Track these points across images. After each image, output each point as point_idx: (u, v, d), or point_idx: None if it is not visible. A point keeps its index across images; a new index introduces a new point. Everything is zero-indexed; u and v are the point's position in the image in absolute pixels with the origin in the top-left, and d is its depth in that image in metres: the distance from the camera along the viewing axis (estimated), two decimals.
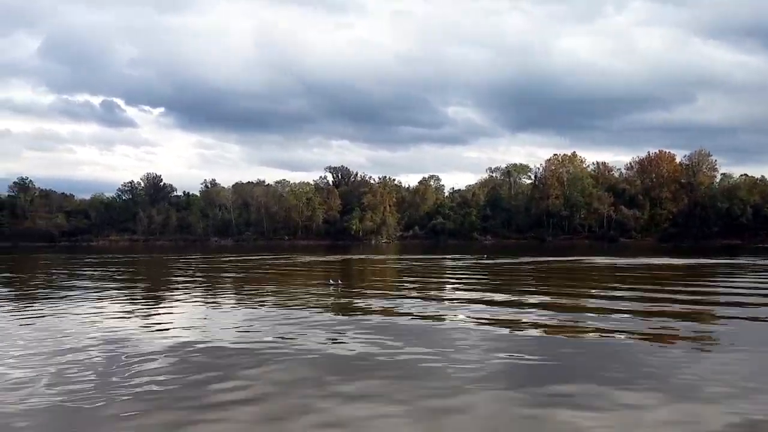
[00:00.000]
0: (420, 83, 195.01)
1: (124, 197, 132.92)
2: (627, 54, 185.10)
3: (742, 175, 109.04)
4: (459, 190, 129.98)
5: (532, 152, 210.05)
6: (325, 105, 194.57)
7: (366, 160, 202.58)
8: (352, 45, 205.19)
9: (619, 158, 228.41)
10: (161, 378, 7.64)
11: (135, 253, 60.84)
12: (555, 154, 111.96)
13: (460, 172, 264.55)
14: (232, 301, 16.63)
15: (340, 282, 21.57)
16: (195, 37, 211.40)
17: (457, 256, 47.94)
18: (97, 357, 8.91)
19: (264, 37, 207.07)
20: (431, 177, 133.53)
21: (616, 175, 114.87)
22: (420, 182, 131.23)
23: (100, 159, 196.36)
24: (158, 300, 17.52)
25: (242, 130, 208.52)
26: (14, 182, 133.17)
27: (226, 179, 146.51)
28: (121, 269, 33.16)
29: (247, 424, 6.03)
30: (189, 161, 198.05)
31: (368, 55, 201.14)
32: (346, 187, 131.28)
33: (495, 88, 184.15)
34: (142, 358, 8.89)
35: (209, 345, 9.87)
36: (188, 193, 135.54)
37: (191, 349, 9.59)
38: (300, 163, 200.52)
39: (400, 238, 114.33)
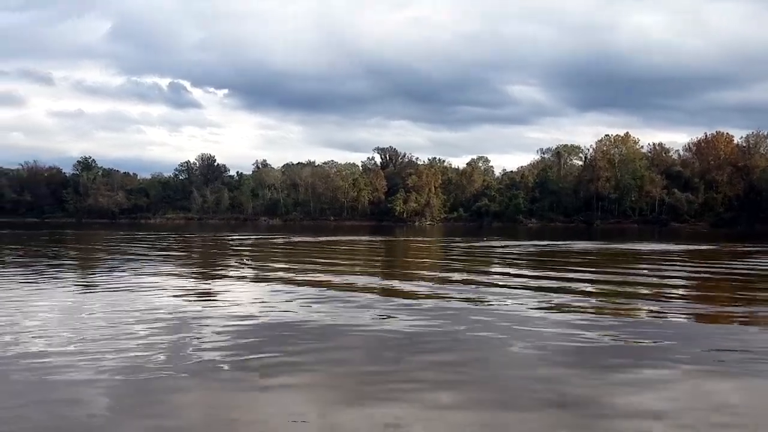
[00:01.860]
0: (481, 62, 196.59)
1: (180, 177, 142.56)
2: (699, 30, 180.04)
3: None
4: (510, 171, 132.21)
5: (600, 132, 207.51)
6: (385, 85, 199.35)
7: (426, 140, 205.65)
8: (411, 24, 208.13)
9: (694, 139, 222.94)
10: (224, 352, 7.78)
11: (190, 231, 66.26)
12: (606, 135, 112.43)
13: (523, 152, 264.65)
14: (289, 278, 16.78)
15: (247, 261, 22.52)
16: (257, 19, 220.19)
17: (458, 238, 51.48)
18: (161, 329, 9.20)
19: (323, 18, 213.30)
20: (480, 158, 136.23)
21: (675, 157, 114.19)
22: (468, 164, 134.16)
23: (169, 140, 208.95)
24: (214, 276, 18.23)
25: (303, 111, 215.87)
26: (78, 161, 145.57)
27: (287, 159, 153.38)
28: (178, 245, 37.72)
29: (313, 400, 6.01)
30: (252, 142, 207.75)
31: (427, 34, 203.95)
32: (393, 169, 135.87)
33: (560, 66, 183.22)
34: (205, 331, 9.13)
35: (272, 320, 10.11)
36: (240, 173, 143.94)
37: (255, 323, 9.89)
38: (360, 143, 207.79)
39: (444, 220, 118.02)
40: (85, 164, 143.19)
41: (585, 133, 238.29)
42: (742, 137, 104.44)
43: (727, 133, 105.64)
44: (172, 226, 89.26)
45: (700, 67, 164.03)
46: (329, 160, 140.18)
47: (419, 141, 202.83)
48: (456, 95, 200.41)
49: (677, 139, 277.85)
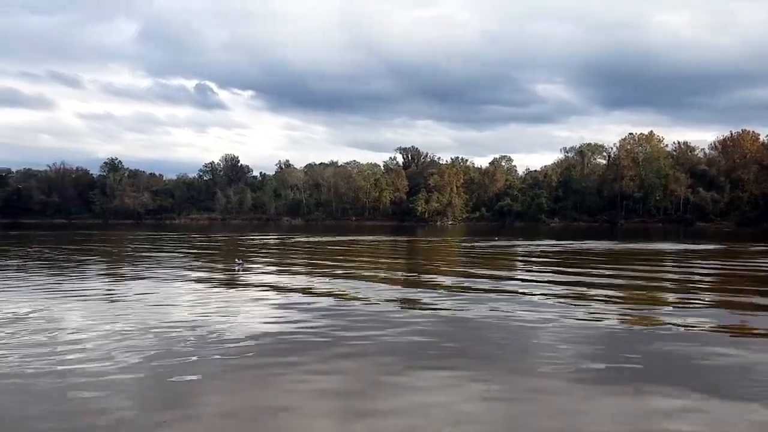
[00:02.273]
0: (506, 61, 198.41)
1: (205, 177, 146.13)
2: (729, 28, 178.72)
3: None
4: (534, 171, 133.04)
5: (627, 131, 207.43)
6: (409, 85, 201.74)
7: (451, 140, 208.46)
8: (435, 23, 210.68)
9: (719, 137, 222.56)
10: (253, 353, 8.16)
11: (213, 231, 68.14)
12: (630, 133, 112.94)
13: (550, 151, 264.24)
14: (319, 278, 17.59)
15: (242, 262, 22.63)
16: (282, 20, 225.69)
17: (467, 238, 52.95)
18: (189, 328, 9.64)
19: (348, 18, 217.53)
20: (502, 157, 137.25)
21: (700, 155, 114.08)
22: (491, 163, 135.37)
23: (196, 141, 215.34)
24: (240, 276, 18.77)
25: (328, 111, 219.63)
26: (105, 162, 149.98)
27: (311, 160, 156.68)
28: (201, 246, 40.19)
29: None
30: (277, 143, 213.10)
31: (452, 33, 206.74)
32: (415, 168, 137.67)
33: (586, 64, 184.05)
34: (235, 331, 9.55)
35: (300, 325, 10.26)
36: (264, 173, 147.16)
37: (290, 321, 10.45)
38: (385, 143, 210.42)
39: (466, 220, 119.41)
40: (112, 165, 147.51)
41: (612, 131, 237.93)
42: (765, 135, 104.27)
43: (753, 132, 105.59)
44: (196, 227, 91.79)
45: (729, 65, 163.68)
46: (351, 160, 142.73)
47: (444, 140, 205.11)
48: (481, 94, 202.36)
49: (707, 137, 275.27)
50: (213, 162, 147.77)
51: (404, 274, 20.31)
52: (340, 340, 8.94)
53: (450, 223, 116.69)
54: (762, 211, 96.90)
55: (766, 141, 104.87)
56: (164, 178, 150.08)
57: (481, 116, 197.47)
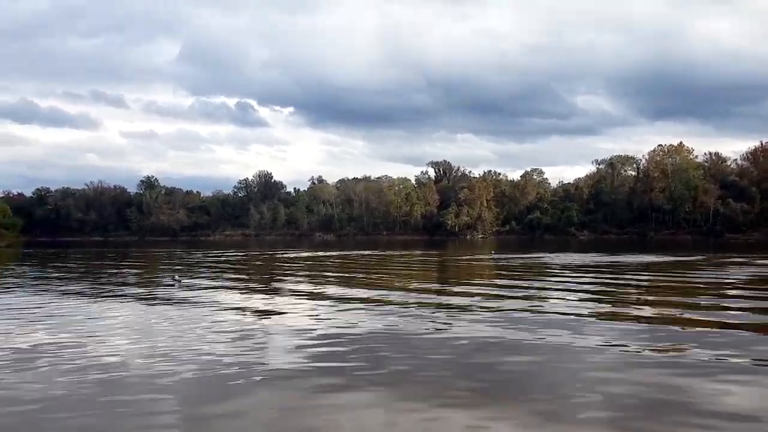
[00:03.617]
0: (546, 73, 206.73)
1: (240, 194, 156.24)
2: None
3: None
4: (566, 183, 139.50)
5: (671, 142, 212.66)
6: (449, 99, 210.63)
7: (491, 153, 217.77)
8: (474, 36, 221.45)
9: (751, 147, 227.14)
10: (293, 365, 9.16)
11: (247, 247, 72.22)
12: (660, 145, 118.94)
13: (592, 164, 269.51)
14: (350, 295, 18.49)
15: (179, 279, 23.80)
16: (321, 37, 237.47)
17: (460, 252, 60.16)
18: (228, 340, 10.99)
19: (386, 32, 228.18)
20: (534, 170, 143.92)
21: (733, 166, 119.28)
22: (522, 176, 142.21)
23: (237, 158, 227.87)
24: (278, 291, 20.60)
25: (367, 126, 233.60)
26: (141, 180, 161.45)
27: (351, 175, 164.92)
28: (237, 264, 40.54)
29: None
30: (317, 158, 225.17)
31: (491, 45, 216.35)
32: (446, 182, 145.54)
33: (628, 75, 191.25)
34: (270, 343, 10.91)
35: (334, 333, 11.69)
36: (298, 189, 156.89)
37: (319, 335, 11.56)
38: (424, 157, 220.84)
39: (496, 233, 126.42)
40: (149, 183, 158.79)
41: (656, 142, 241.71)
42: None
43: None
44: (230, 243, 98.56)
45: None
46: (383, 174, 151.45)
47: (484, 154, 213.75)
48: (522, 106, 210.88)
49: (750, 147, 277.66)
50: (247, 179, 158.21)
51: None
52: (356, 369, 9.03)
53: (480, 236, 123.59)
54: None
55: None
56: (201, 195, 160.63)
57: (521, 129, 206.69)
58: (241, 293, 19.92)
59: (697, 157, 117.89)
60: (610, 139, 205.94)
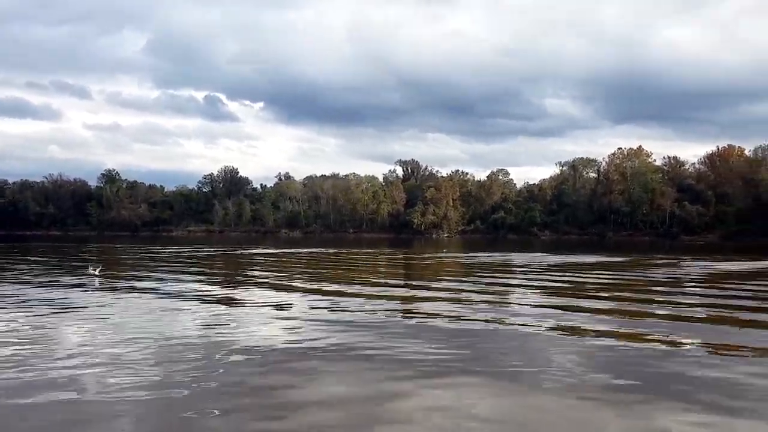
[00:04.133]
0: (515, 75, 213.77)
1: (204, 189, 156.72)
2: (732, 45, 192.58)
3: None
4: (531, 184, 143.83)
5: (633, 145, 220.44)
6: (420, 98, 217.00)
7: (462, 152, 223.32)
8: (446, 37, 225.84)
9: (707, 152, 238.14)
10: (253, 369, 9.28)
11: (210, 245, 71.05)
12: (619, 148, 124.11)
13: (556, 166, 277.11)
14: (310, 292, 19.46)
15: (97, 272, 23.50)
16: (293, 33, 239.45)
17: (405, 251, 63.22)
18: (189, 343, 11.05)
19: (359, 31, 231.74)
20: (499, 171, 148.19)
21: (690, 170, 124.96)
22: (488, 176, 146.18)
23: (206, 152, 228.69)
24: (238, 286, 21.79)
25: (339, 123, 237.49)
26: (102, 174, 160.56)
27: (322, 172, 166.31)
28: (194, 260, 41.26)
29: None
30: (288, 154, 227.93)
31: (463, 47, 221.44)
32: (414, 181, 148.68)
33: (593, 79, 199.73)
34: (234, 345, 10.93)
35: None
36: (264, 185, 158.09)
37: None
38: (395, 156, 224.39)
39: (461, 233, 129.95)
40: (110, 177, 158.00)
41: (618, 146, 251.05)
42: (750, 150, 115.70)
43: (739, 147, 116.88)
44: (192, 239, 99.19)
45: (733, 80, 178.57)
46: (351, 172, 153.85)
47: (455, 153, 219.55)
48: (491, 108, 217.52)
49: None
50: (212, 174, 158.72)
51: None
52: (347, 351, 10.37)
53: (446, 235, 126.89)
54: (745, 225, 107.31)
55: (751, 156, 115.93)
56: (165, 190, 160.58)
57: (490, 129, 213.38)
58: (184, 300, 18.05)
59: (655, 160, 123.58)
60: (575, 141, 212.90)
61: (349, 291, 19.58)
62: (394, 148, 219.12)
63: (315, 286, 21.27)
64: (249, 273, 28.98)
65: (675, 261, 38.78)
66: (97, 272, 23.00)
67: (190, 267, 32.36)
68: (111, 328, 12.75)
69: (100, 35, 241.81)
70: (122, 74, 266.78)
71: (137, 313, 14.87)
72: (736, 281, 24.35)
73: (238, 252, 51.78)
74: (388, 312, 15.14)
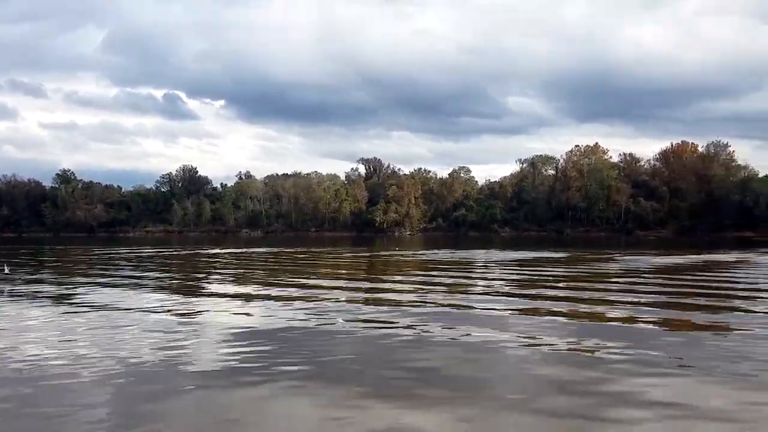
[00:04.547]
0: (481, 74, 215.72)
1: (162, 189, 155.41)
2: (694, 43, 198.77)
3: None
4: (493, 181, 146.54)
5: (597, 143, 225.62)
6: (386, 96, 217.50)
7: (428, 151, 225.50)
8: (412, 36, 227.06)
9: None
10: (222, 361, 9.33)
11: (169, 245, 69.76)
12: (577, 145, 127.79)
13: (516, 164, 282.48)
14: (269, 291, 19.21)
15: (2, 267, 23.79)
16: (257, 30, 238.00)
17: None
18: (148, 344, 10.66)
19: (324, 29, 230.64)
20: (461, 168, 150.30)
21: (646, 166, 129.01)
22: (449, 174, 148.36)
23: (166, 151, 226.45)
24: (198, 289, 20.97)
25: (303, 122, 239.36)
26: (57, 174, 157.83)
27: (287, 171, 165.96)
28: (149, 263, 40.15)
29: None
30: (251, 153, 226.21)
31: (429, 45, 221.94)
32: (377, 180, 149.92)
33: (558, 77, 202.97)
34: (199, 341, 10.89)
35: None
36: (225, 184, 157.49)
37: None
38: (361, 154, 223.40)
39: (423, 230, 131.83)
40: (65, 177, 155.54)
41: (583, 143, 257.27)
42: (703, 146, 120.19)
43: (693, 143, 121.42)
44: (151, 240, 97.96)
45: (694, 78, 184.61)
46: (319, 170, 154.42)
47: (421, 152, 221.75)
48: (457, 106, 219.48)
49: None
50: (171, 173, 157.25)
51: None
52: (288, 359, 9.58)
53: (408, 233, 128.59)
54: (697, 220, 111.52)
55: (703, 152, 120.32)
56: (122, 190, 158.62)
57: (456, 128, 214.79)
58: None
59: (611, 157, 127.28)
60: (541, 139, 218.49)
61: (299, 295, 18.30)
62: (360, 147, 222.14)
63: (262, 291, 19.79)
64: (204, 275, 27.84)
65: (609, 256, 39.54)
66: (7, 270, 22.77)
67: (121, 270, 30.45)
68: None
69: (58, 33, 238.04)
70: (80, 72, 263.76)
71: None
72: (646, 275, 25.68)
73: (194, 252, 51.79)
74: (349, 316, 13.98)
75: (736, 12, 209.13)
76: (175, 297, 18.18)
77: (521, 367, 9.36)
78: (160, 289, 20.51)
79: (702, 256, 39.50)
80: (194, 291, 20.51)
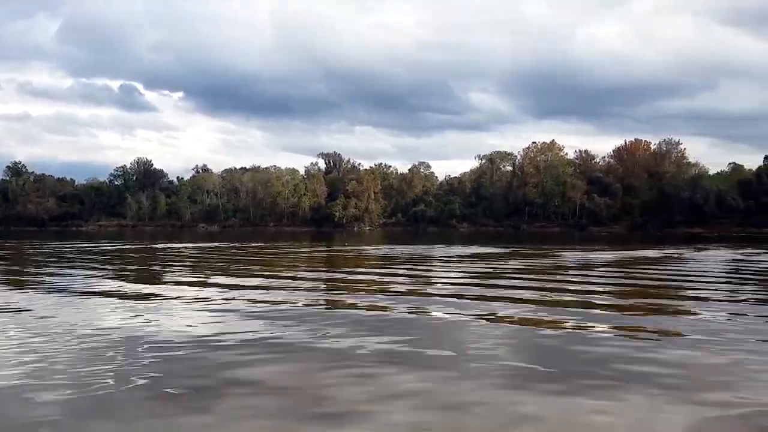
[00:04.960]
0: (442, 69, 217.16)
1: (116, 182, 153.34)
2: (649, 41, 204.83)
3: (730, 164, 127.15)
4: (452, 177, 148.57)
5: (556, 139, 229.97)
6: (348, 90, 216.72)
7: (391, 146, 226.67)
8: (374, 30, 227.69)
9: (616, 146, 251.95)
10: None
11: (123, 239, 68.05)
12: (533, 142, 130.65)
13: (476, 160, 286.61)
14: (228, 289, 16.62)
15: None
16: (217, 21, 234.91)
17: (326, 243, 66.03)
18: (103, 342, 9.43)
19: (284, 21, 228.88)
20: (421, 164, 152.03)
21: (601, 163, 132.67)
22: (409, 169, 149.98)
23: (123, 143, 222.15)
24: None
25: (264, 115, 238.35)
26: (7, 167, 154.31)
27: (248, 164, 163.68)
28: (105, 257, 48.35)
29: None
30: (211, 146, 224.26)
31: (390, 40, 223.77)
32: (336, 174, 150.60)
33: (517, 74, 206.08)
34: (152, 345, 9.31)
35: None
36: (181, 178, 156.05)
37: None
38: (323, 148, 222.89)
39: (382, 225, 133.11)
40: (15, 170, 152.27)
41: (541, 140, 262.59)
42: (655, 144, 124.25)
43: (645, 141, 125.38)
44: (104, 234, 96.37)
45: (650, 77, 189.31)
46: (279, 164, 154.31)
47: (384, 147, 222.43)
48: (420, 102, 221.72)
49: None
50: (125, 166, 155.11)
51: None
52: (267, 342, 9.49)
53: (367, 228, 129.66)
54: (649, 216, 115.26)
55: (656, 149, 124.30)
56: (75, 183, 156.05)
57: (419, 123, 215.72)
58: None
59: (567, 154, 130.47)
60: (501, 135, 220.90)
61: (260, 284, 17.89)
62: (322, 141, 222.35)
63: (227, 281, 18.74)
64: (158, 270, 25.58)
65: (548, 252, 39.34)
66: None
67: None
68: None
69: (9, 21, 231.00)
70: (33, 62, 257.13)
71: None
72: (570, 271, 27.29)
73: (148, 246, 50.90)
74: (309, 303, 13.84)
75: (689, 12, 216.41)
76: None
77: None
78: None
79: (632, 252, 39.31)
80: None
